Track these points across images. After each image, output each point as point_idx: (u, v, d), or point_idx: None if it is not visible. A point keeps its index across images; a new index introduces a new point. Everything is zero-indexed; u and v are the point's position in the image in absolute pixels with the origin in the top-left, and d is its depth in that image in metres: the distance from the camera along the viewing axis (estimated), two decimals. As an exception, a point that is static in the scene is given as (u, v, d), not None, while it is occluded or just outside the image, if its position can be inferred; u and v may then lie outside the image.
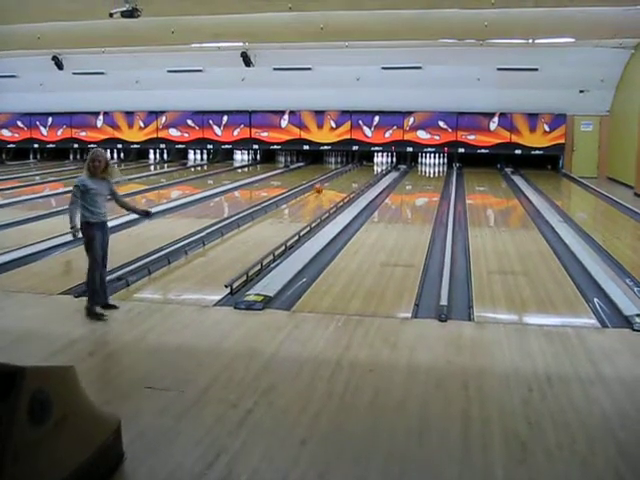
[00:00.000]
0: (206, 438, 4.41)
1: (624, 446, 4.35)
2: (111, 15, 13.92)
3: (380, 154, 25.41)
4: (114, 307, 7.24)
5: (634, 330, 6.68)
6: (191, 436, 4.39)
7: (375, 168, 24.59)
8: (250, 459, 4.17)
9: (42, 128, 27.28)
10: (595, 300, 7.82)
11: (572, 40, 19.28)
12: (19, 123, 27.50)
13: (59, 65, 24.77)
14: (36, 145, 27.63)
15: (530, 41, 19.78)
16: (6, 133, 27.69)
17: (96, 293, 7.08)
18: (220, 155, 26.54)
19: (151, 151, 27.49)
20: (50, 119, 27.14)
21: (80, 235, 7.11)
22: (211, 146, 26.38)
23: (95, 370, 5.74)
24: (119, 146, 27.03)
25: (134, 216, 13.22)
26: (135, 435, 4.38)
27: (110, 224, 11.75)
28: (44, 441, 3.43)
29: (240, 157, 26.88)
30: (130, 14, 13.74)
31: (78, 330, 6.66)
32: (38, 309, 7.22)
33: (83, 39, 19.64)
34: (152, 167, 25.58)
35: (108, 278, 8.32)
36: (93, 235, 7.03)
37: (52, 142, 27.22)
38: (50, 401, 3.47)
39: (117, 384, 5.42)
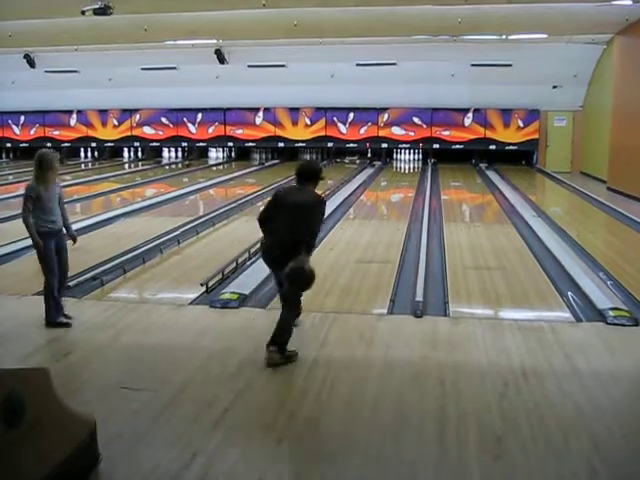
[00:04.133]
0: (182, 439, 4.40)
1: (598, 439, 4.39)
2: (83, 12, 13.81)
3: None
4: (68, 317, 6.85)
5: (608, 324, 6.75)
6: (167, 437, 4.38)
7: (355, 164, 24.63)
8: (226, 459, 4.16)
9: (14, 127, 26.95)
10: (569, 294, 7.89)
11: (545, 36, 19.42)
12: (-9, 122, 27.21)
13: (31, 63, 24.52)
14: (9, 144, 27.28)
15: (503, 37, 19.87)
16: (-22, 132, 27.39)
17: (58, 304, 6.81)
18: (194, 154, 26.39)
19: (125, 149, 27.32)
20: (22, 118, 26.81)
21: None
22: (185, 144, 26.25)
23: (71, 371, 5.70)
24: (93, 145, 26.82)
25: (109, 215, 13.28)
26: (111, 436, 4.35)
27: (84, 223, 11.88)
28: (18, 444, 3.40)
29: (215, 155, 26.80)
30: (102, 11, 13.63)
31: (53, 331, 6.60)
32: (12, 310, 7.15)
33: (55, 37, 19.45)
34: (126, 165, 25.42)
35: (83, 277, 8.31)
36: (48, 245, 6.71)
37: (25, 141, 26.84)
38: (23, 404, 3.44)
39: (93, 385, 5.38)
